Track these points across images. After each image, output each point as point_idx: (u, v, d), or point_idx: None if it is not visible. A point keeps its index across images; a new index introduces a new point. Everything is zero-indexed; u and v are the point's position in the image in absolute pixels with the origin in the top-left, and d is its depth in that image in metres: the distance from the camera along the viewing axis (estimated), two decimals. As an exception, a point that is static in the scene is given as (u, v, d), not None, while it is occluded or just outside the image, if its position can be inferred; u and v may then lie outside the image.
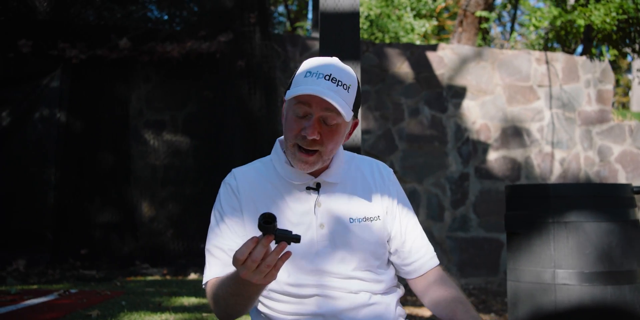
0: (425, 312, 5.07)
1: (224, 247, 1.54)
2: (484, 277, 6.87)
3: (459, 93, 7.09)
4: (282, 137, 1.60)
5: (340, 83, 1.48)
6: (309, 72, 1.49)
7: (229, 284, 1.40)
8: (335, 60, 1.54)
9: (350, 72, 1.53)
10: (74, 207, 6.16)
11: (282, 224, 1.55)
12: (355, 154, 1.72)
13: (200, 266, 5.79)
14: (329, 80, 1.47)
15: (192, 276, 5.57)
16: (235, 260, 1.25)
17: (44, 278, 5.24)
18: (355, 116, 1.56)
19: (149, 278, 5.42)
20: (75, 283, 4.94)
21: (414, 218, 1.69)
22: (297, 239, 1.25)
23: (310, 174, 1.57)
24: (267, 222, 1.23)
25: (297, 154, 1.50)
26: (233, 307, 1.45)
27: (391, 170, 1.72)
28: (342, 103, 1.46)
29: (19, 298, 3.84)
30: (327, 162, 1.56)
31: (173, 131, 6.59)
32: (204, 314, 3.43)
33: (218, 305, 1.49)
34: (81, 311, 3.41)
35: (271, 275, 1.26)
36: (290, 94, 1.46)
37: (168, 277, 5.52)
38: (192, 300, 3.99)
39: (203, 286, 1.56)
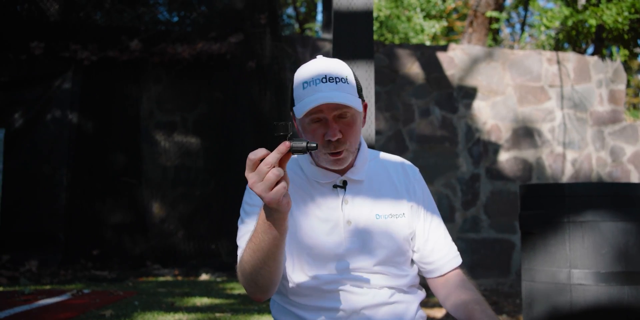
0: (437, 313, 5.05)
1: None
2: (495, 279, 6.84)
3: (470, 93, 7.07)
4: None
5: (337, 79, 1.49)
6: (305, 83, 1.50)
7: (250, 242, 1.41)
8: (320, 60, 1.55)
9: (339, 64, 1.55)
10: (86, 208, 6.18)
11: (310, 219, 1.58)
12: (380, 152, 1.74)
13: (211, 266, 5.80)
14: (326, 81, 1.48)
15: (204, 277, 5.58)
16: (248, 161, 1.27)
17: (56, 278, 5.26)
18: (362, 99, 1.58)
19: (161, 279, 5.43)
20: (87, 283, 4.96)
21: (438, 217, 1.71)
22: (314, 146, 1.29)
23: (336, 172, 1.60)
24: (282, 130, 1.27)
25: (329, 158, 1.53)
26: (257, 270, 1.42)
27: (417, 168, 1.74)
28: (348, 96, 1.48)
29: (32, 298, 3.86)
30: (354, 154, 1.59)
31: (184, 132, 6.60)
32: (217, 314, 3.43)
33: (244, 275, 1.47)
34: (95, 311, 3.42)
35: (277, 191, 1.26)
36: (299, 111, 1.48)
37: (179, 278, 5.52)
38: (205, 301, 3.99)
39: (237, 268, 1.54)
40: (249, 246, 1.42)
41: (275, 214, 1.32)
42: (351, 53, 2.92)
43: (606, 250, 2.70)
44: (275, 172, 1.25)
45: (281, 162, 1.28)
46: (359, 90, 1.56)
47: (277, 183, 1.27)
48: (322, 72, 1.50)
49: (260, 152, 1.27)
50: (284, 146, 1.27)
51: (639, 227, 2.74)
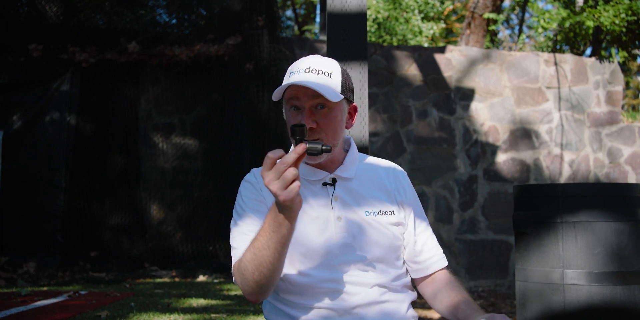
0: (434, 315, 5.06)
1: (249, 233, 1.55)
2: (493, 280, 6.84)
3: (467, 95, 7.08)
4: None
5: (320, 71, 1.56)
6: (291, 72, 1.59)
7: (255, 241, 1.43)
8: (313, 56, 1.63)
9: (330, 61, 1.61)
10: (84, 210, 6.19)
11: (301, 217, 1.59)
12: (370, 156, 1.79)
13: (208, 268, 5.80)
14: (308, 72, 1.56)
15: (201, 278, 5.59)
16: (267, 159, 1.32)
17: (54, 280, 5.27)
18: (351, 101, 1.64)
19: (158, 280, 5.44)
20: (85, 285, 4.97)
21: (425, 221, 1.75)
22: (328, 149, 1.37)
23: (325, 170, 1.64)
24: (299, 134, 1.34)
25: None
26: (260, 269, 1.43)
27: (404, 171, 1.78)
28: (324, 86, 1.53)
29: (29, 299, 3.87)
30: (336, 151, 1.62)
31: (182, 134, 6.62)
32: (213, 315, 3.44)
33: (245, 275, 1.47)
34: (91, 312, 3.43)
35: (291, 190, 1.30)
36: (275, 93, 1.55)
37: (177, 279, 5.53)
38: (201, 302, 4.00)
39: (232, 272, 1.55)
40: (254, 245, 1.44)
41: (287, 212, 1.37)
42: (345, 54, 2.94)
43: (599, 251, 2.71)
44: (292, 172, 1.30)
45: (295, 163, 1.33)
46: (346, 90, 1.60)
47: (292, 182, 1.32)
48: (307, 64, 1.58)
49: (279, 152, 1.33)
50: (300, 147, 1.32)
51: (631, 227, 2.75)
